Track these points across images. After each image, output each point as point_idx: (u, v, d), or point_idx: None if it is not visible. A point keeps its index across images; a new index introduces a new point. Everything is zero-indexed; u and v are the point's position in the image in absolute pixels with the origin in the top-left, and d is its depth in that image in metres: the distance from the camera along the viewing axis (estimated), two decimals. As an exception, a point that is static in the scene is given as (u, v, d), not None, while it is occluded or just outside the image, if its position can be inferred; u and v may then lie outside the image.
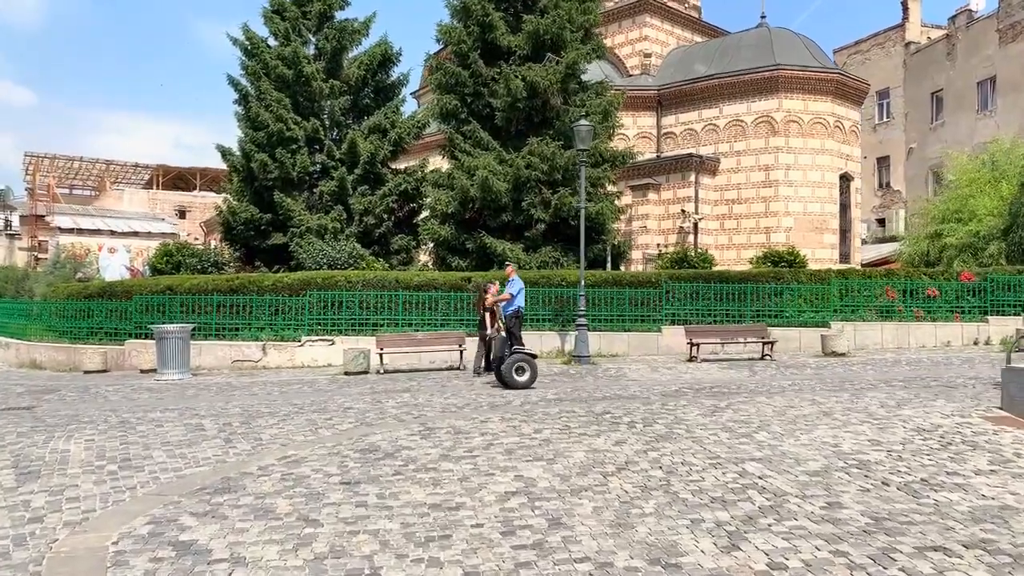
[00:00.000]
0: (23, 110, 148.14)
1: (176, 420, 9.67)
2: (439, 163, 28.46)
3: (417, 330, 17.59)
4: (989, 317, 18.81)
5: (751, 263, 24.29)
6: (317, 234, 23.03)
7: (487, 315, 14.44)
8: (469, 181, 21.13)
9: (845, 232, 30.32)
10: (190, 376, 15.30)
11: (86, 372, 16.62)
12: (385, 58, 25.72)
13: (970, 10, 36.99)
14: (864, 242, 35.25)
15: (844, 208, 30.13)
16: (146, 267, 40.94)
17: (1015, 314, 18.76)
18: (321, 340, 17.31)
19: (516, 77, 20.59)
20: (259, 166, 23.56)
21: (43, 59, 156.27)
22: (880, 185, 43.51)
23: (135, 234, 50.80)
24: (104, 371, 16.86)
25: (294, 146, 23.86)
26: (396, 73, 26.54)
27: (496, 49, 21.87)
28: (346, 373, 15.25)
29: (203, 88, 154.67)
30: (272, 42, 25.73)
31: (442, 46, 23.14)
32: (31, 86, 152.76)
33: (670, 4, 34.57)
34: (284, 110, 23.85)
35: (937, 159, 39.31)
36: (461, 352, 15.75)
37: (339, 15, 26.04)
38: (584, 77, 23.05)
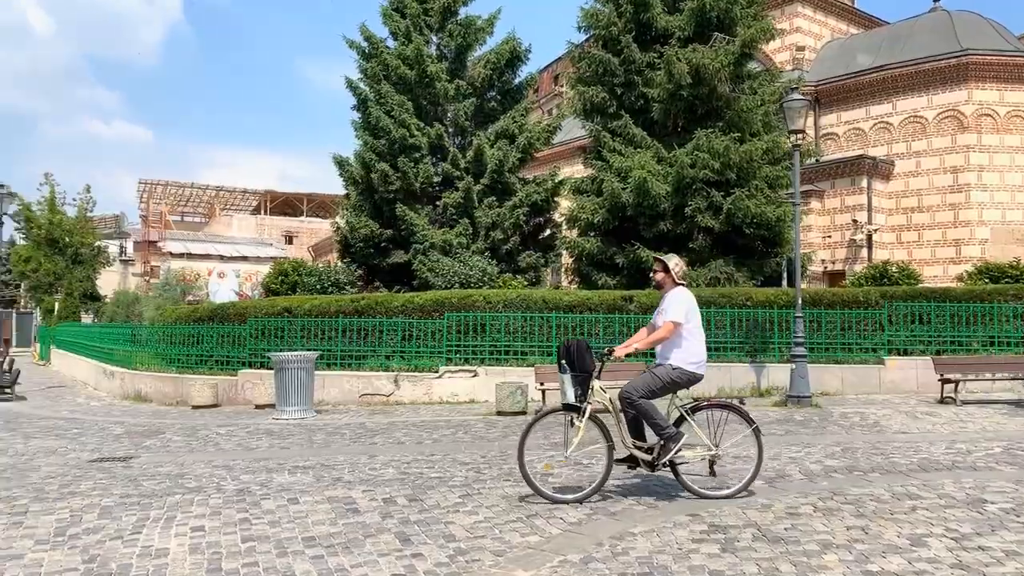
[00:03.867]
0: (141, 147, 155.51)
1: (314, 489, 6.86)
2: (570, 172, 25.60)
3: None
4: None
5: (960, 280, 20.19)
6: (442, 250, 20.44)
7: None
8: (621, 184, 18.06)
9: (1050, 244, 25.55)
10: (314, 414, 12.69)
11: (194, 407, 14.30)
12: (513, 56, 23.10)
13: None
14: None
15: (1049, 216, 25.41)
16: (255, 291, 39.78)
17: None
18: (462, 371, 14.47)
19: (679, 60, 17.45)
20: (379, 177, 21.23)
21: (159, 98, 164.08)
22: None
23: (244, 259, 50.14)
24: (214, 406, 14.52)
25: (417, 154, 21.46)
26: (524, 73, 23.97)
27: (651, 32, 18.83)
28: (499, 413, 12.30)
29: (306, 123, 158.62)
30: (391, 43, 23.61)
31: (585, 35, 20.25)
32: (148, 125, 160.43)
33: (823, -7, 30.79)
34: (407, 114, 21.51)
35: None
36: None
37: (462, 11, 23.71)
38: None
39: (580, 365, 6.08)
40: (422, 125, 21.70)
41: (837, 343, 14.71)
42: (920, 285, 18.91)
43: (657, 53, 18.50)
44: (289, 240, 59.24)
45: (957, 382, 12.31)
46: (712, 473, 6.27)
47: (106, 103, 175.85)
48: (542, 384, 12.41)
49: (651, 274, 6.61)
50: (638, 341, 6.35)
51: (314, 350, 13.73)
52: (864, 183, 25.06)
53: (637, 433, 6.15)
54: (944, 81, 24.95)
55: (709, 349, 14.26)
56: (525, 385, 12.54)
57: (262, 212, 62.40)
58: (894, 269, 18.47)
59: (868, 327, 14.78)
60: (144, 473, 7.89)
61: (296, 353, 12.85)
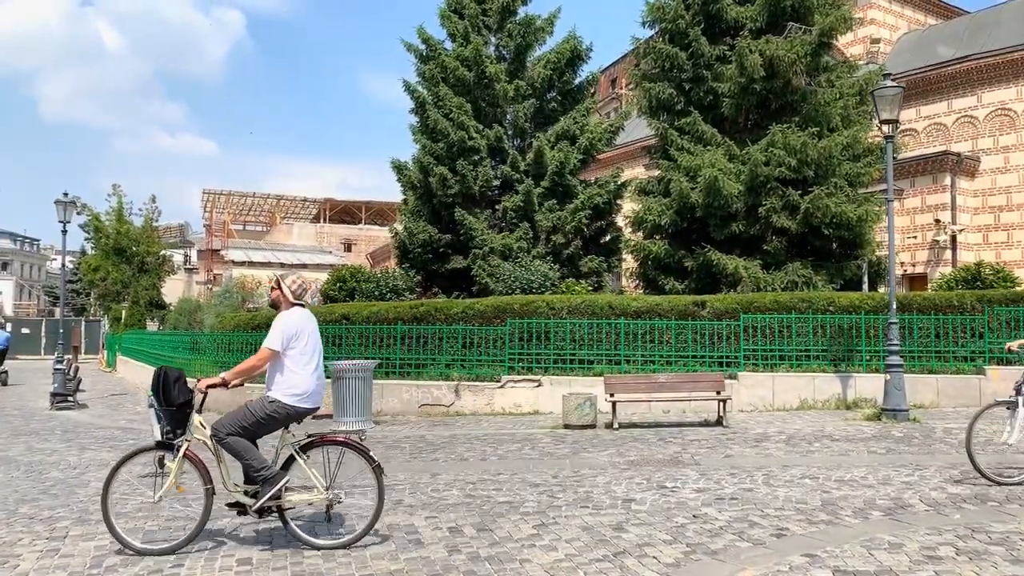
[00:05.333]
0: (206, 159, 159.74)
1: (372, 513, 6.25)
2: (633, 174, 24.78)
3: (642, 368, 13.75)
4: None
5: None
6: (501, 255, 19.84)
7: None
8: (690, 184, 17.18)
9: None
10: (372, 425, 12.18)
11: (251, 417, 13.94)
12: (574, 56, 22.40)
13: None
14: None
15: None
16: (315, 298, 39.95)
17: None
18: (525, 380, 13.80)
19: (752, 52, 16.51)
20: (438, 180, 20.75)
21: (224, 112, 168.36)
22: None
23: (303, 266, 50.55)
24: (271, 415, 14.14)
25: (476, 157, 20.91)
26: (585, 72, 23.26)
27: (721, 23, 17.93)
28: (566, 426, 11.57)
29: (366, 134, 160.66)
30: (449, 45, 23.17)
31: (651, 30, 19.40)
32: (213, 137, 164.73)
33: (898, -19, 29.31)
34: (465, 116, 20.99)
35: None
36: (722, 402, 11.65)
37: (521, 11, 23.11)
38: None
39: (166, 397, 5.30)
40: (481, 127, 21.17)
41: (931, 351, 13.56)
42: (1019, 288, 17.55)
43: (727, 46, 17.61)
44: (348, 247, 59.57)
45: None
46: (328, 519, 5.52)
47: (173, 117, 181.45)
48: (612, 395, 11.64)
49: (270, 292, 5.88)
50: (233, 371, 5.48)
51: (373, 358, 13.24)
52: (947, 181, 23.56)
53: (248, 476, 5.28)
54: (1035, 71, 23.31)
55: (789, 357, 13.57)
56: (594, 396, 11.79)
57: (321, 220, 62.94)
58: (988, 271, 17.13)
59: (965, 334, 13.59)
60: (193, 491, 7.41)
61: (354, 362, 12.36)
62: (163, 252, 43.17)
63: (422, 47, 22.88)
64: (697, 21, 17.96)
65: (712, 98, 17.89)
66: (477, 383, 13.94)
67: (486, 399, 13.75)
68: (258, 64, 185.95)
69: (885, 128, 11.94)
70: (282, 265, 49.89)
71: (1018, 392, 6.90)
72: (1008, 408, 6.97)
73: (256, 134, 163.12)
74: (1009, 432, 6.87)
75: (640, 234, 19.65)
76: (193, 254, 57.61)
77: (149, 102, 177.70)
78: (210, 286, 51.10)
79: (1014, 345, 7.31)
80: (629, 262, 21.60)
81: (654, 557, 4.90)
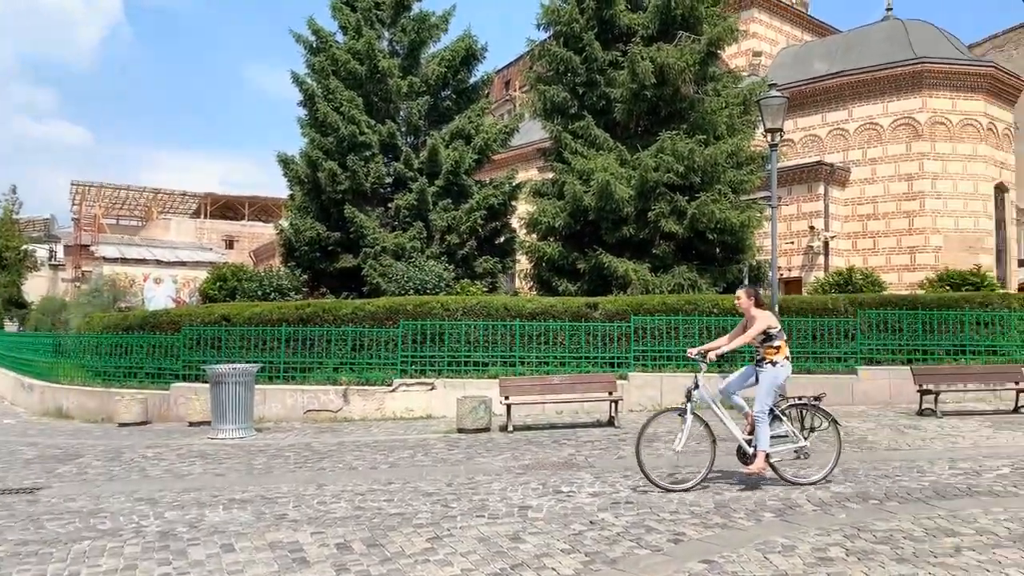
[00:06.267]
0: (77, 149, 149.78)
1: (253, 531, 5.84)
2: (527, 176, 24.83)
3: (537, 370, 13.72)
4: None
5: (921, 287, 20.05)
6: (394, 255, 19.41)
7: None
8: (583, 187, 17.31)
9: (1000, 252, 25.77)
10: (254, 433, 11.56)
11: (121, 425, 13.00)
12: (469, 54, 22.20)
13: (1119, 1, 32.48)
14: (1022, 263, 30.39)
15: (999, 224, 25.63)
16: (193, 297, 37.92)
17: None
18: (419, 384, 13.48)
19: (643, 59, 16.80)
20: (327, 176, 20.07)
21: (98, 99, 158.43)
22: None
23: (182, 264, 48.01)
24: (144, 423, 13.24)
25: (367, 153, 20.37)
26: (480, 72, 23.10)
27: (614, 29, 18.16)
28: (460, 430, 11.35)
29: (249, 127, 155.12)
30: (340, 38, 22.50)
31: (545, 33, 19.40)
32: (86, 125, 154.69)
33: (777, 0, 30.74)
34: (357, 111, 20.41)
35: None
36: (614, 403, 11.73)
37: (415, 7, 22.72)
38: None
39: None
40: (373, 123, 20.64)
41: (808, 352, 14.17)
42: (885, 292, 18.67)
43: (620, 52, 17.86)
44: (230, 245, 57.08)
45: (937, 393, 11.83)
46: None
47: (40, 103, 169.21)
48: (507, 398, 11.51)
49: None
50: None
51: (254, 362, 12.58)
52: (821, 190, 24.86)
53: None
54: (899, 89, 24.92)
55: (677, 358, 13.85)
56: (488, 399, 11.62)
57: (202, 216, 60.08)
58: (858, 276, 18.15)
59: (839, 336, 14.29)
60: (51, 510, 6.74)
61: (234, 365, 11.70)
62: (24, 247, 40.05)
63: (312, 39, 22.13)
64: (591, 25, 18.13)
65: (605, 103, 18.10)
66: (367, 387, 13.51)
67: (377, 403, 13.34)
68: (136, 51, 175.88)
69: (770, 136, 12.37)
70: (158, 262, 47.25)
71: (688, 398, 6.93)
72: (679, 415, 7.00)
73: (134, 125, 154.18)
74: (679, 439, 6.91)
75: (535, 236, 19.65)
76: (59, 249, 53.70)
77: (14, 86, 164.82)
78: (77, 284, 47.74)
79: (693, 352, 7.10)
80: (523, 263, 21.60)
81: (553, 569, 4.74)
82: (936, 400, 11.83)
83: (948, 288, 18.54)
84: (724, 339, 7.41)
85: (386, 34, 22.40)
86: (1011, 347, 14.70)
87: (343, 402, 13.30)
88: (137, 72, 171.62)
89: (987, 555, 4.75)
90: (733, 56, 28.89)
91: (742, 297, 7.24)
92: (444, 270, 17.79)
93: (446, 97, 22.52)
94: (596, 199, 16.96)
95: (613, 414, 11.73)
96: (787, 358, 7.07)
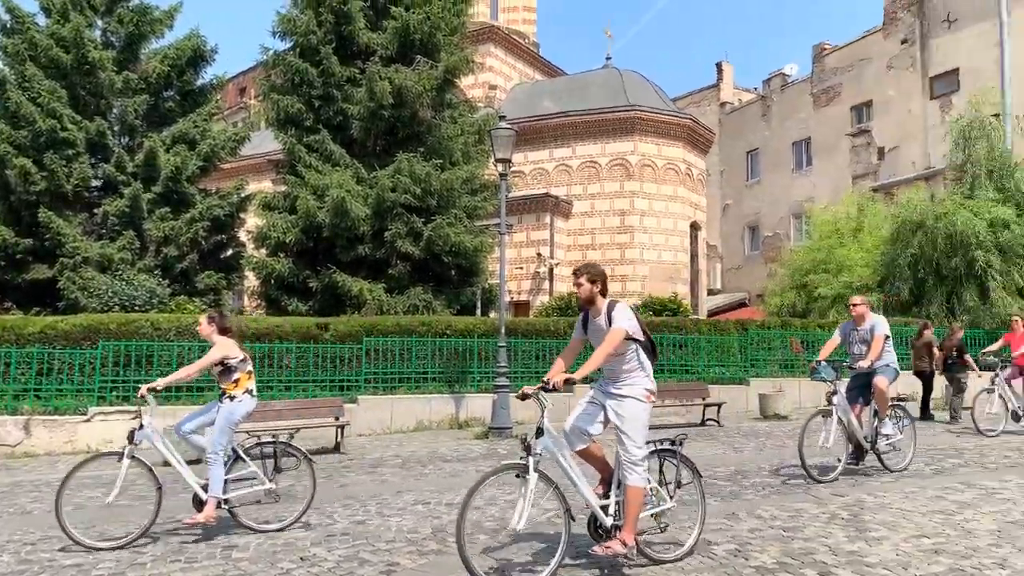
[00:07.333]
0: None
1: None
2: (261, 188, 23.67)
3: (260, 395, 12.87)
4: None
5: (630, 312, 22.04)
6: (99, 267, 17.44)
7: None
8: (318, 203, 16.83)
9: (693, 282, 29.31)
10: (-103, 477, 9.54)
11: None
12: (197, 55, 20.74)
13: (784, 74, 38.73)
14: (710, 292, 34.71)
15: (693, 257, 29.16)
16: None
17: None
18: (119, 412, 12.06)
19: (382, 79, 16.79)
20: (18, 174, 17.56)
21: None
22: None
23: None
24: None
25: (71, 151, 18.16)
26: (209, 75, 21.67)
27: (353, 46, 17.98)
28: (166, 463, 10.25)
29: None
30: (42, 20, 19.88)
31: (282, 41, 18.66)
32: None
33: (513, 37, 32.52)
34: (59, 103, 18.15)
35: (754, 215, 40.49)
36: (340, 428, 11.38)
37: (135, -2, 20.74)
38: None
39: None
40: (79, 119, 18.45)
41: (532, 371, 14.90)
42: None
43: (359, 69, 17.73)
44: None
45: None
46: None
47: None
48: (222, 425, 10.65)
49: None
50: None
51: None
52: (548, 220, 26.60)
53: None
54: (615, 132, 27.51)
55: (409, 380, 13.86)
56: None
57: None
58: (576, 300, 19.52)
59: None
60: None
61: None
62: None
63: (6, 17, 19.33)
64: (329, 39, 17.79)
65: (343, 119, 17.81)
66: (56, 417, 11.81)
67: (67, 435, 11.71)
68: None
69: (499, 166, 12.91)
70: None
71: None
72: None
73: None
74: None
75: (264, 251, 18.72)
76: None
77: None
78: None
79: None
80: (252, 280, 20.47)
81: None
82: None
83: (652, 313, 20.64)
84: (186, 369, 6.80)
85: (99, 23, 20.23)
86: (700, 367, 16.69)
87: (23, 434, 11.50)
88: None
89: (674, 564, 5.19)
90: (471, 87, 29.97)
91: (203, 323, 6.64)
92: (158, 285, 16.29)
93: (169, 98, 20.81)
94: (331, 216, 16.59)
95: (339, 440, 11.37)
96: (249, 392, 6.63)
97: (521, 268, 26.48)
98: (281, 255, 18.19)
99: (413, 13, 17.55)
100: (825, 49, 36.37)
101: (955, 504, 6.85)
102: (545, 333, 15.44)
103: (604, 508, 4.96)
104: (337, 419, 11.44)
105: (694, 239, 29.26)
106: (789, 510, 6.72)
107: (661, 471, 5.32)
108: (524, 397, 4.85)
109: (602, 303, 5.11)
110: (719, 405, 13.94)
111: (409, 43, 17.78)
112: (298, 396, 12.95)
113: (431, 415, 13.75)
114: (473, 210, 18.45)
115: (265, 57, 18.56)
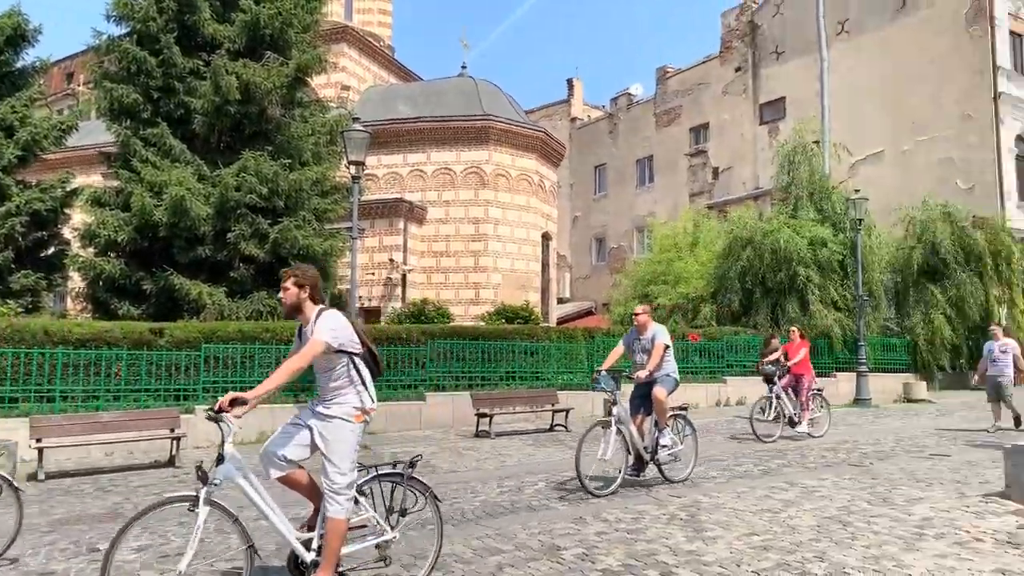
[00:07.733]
0: None
1: None
2: (90, 182, 21.92)
3: (84, 406, 11.95)
4: (727, 378, 18.94)
5: (482, 319, 22.26)
6: None
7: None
8: (154, 200, 15.78)
9: (544, 291, 30.00)
10: None
11: None
12: (17, 34, 19.00)
13: (630, 94, 40.62)
14: (560, 301, 35.59)
15: (544, 267, 29.86)
16: None
17: (746, 375, 19.08)
18: (-87, 427, 10.71)
19: (228, 73, 16.02)
20: None
21: None
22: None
23: None
24: None
25: None
26: (31, 57, 19.90)
27: (197, 37, 17.01)
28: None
29: None
30: None
31: (117, 26, 17.29)
32: None
33: (368, 38, 32.03)
34: None
35: (601, 227, 42.13)
36: (176, 440, 10.68)
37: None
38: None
39: None
40: None
41: (383, 380, 14.67)
42: (453, 324, 20.33)
43: (204, 61, 16.81)
44: None
45: (491, 416, 13.13)
46: None
47: None
48: (39, 440, 9.73)
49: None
50: None
51: None
52: (401, 225, 26.35)
53: None
54: (470, 140, 27.70)
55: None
56: (14, 444, 9.69)
57: None
58: (431, 308, 19.48)
59: (411, 364, 15.08)
60: None
61: None
62: None
63: None
64: (171, 28, 16.75)
65: (184, 112, 16.81)
66: None
67: None
68: None
69: (353, 168, 12.64)
70: None
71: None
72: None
73: None
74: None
75: (92, 250, 17.30)
76: None
77: None
78: None
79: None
80: (77, 281, 18.86)
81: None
82: (491, 422, 13.13)
83: (504, 321, 20.91)
84: None
85: None
86: (550, 373, 17.07)
87: None
88: None
89: (523, 569, 5.25)
90: (323, 86, 29.25)
91: None
92: (-37, 285, 14.64)
93: (-18, 79, 18.84)
94: (169, 214, 15.60)
95: (175, 453, 10.68)
96: None
97: (373, 274, 26.06)
98: (112, 255, 16.90)
99: (264, 7, 16.90)
100: (668, 72, 38.53)
101: (780, 502, 7.40)
102: (396, 340, 15.25)
103: (307, 543, 4.44)
104: (173, 431, 10.73)
105: (546, 249, 29.95)
106: (632, 512, 7.00)
107: (390, 497, 4.80)
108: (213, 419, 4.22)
109: (311, 310, 4.49)
110: (567, 411, 14.31)
111: (259, 38, 17.07)
112: (129, 407, 12.05)
113: (276, 425, 13.17)
114: (323, 213, 17.95)
115: (98, 42, 17.18)
